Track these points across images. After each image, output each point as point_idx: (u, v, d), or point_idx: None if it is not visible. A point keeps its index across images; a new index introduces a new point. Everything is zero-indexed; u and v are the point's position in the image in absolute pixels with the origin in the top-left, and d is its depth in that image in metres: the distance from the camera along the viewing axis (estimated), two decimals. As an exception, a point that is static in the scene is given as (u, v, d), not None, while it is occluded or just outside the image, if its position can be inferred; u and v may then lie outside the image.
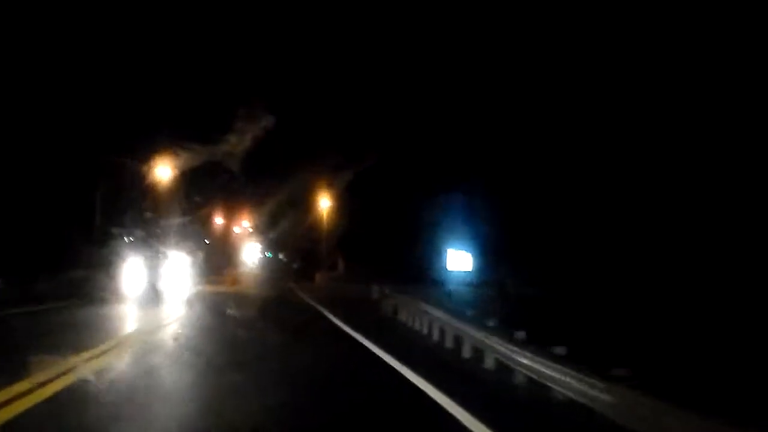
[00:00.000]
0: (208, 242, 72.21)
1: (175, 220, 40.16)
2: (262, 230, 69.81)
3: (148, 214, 36.27)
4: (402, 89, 44.44)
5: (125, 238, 34.71)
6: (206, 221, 63.83)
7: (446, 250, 40.45)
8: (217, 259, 69.53)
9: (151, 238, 30.25)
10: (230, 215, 67.38)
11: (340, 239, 48.49)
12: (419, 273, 39.81)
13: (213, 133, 35.03)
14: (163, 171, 34.14)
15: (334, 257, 50.12)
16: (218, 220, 59.86)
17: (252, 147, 37.34)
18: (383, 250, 45.69)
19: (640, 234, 36.02)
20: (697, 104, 34.55)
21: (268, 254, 76.60)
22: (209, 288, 26.23)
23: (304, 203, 50.30)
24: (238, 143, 35.88)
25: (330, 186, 45.13)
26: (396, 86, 44.55)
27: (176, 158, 33.68)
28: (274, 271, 61.24)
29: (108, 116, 30.77)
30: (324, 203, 44.09)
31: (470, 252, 40.40)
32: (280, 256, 74.49)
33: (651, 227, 35.80)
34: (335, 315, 14.72)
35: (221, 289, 26.54)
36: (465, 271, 40.30)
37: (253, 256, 75.88)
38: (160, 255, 26.75)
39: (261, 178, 55.78)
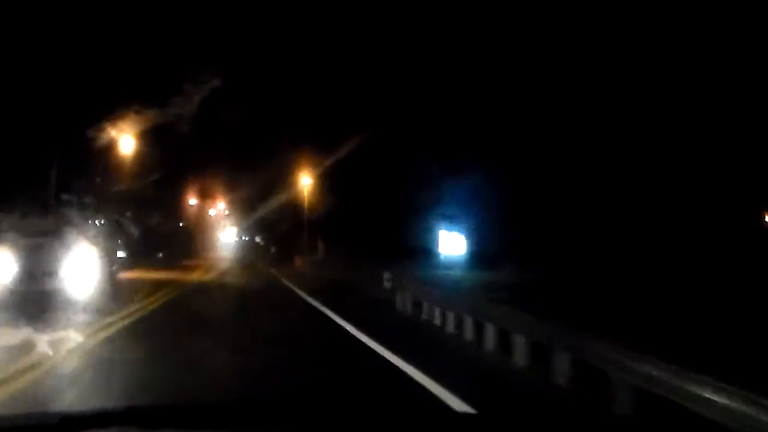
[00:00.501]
0: (182, 225, 68.17)
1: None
2: (238, 213, 65.95)
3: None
4: (391, 63, 40.34)
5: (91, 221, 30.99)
6: (178, 203, 59.53)
7: (438, 232, 36.87)
8: (191, 242, 65.38)
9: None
10: (205, 197, 63.00)
11: (321, 221, 44.49)
12: (408, 256, 36.15)
13: (161, 96, 30.97)
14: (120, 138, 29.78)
15: (314, 240, 46.17)
16: (192, 201, 55.18)
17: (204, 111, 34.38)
18: (368, 232, 41.86)
19: (638, 219, 33.01)
20: (701, 88, 31.56)
21: (245, 237, 72.58)
22: (176, 276, 22.07)
23: (283, 184, 46.22)
24: (186, 105, 31.57)
25: (311, 166, 41.00)
26: (384, 60, 40.35)
27: (129, 122, 29.67)
28: (251, 255, 57.16)
29: (55, 84, 27.10)
30: (305, 182, 39.89)
31: (463, 234, 36.87)
32: (257, 239, 70.45)
33: (649, 213, 32.83)
34: (358, 327, 9.88)
35: (192, 277, 22.38)
36: (458, 254, 36.76)
37: (229, 239, 71.82)
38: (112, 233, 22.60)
39: (239, 159, 51.86)
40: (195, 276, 22.24)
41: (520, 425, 2.18)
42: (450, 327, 9.18)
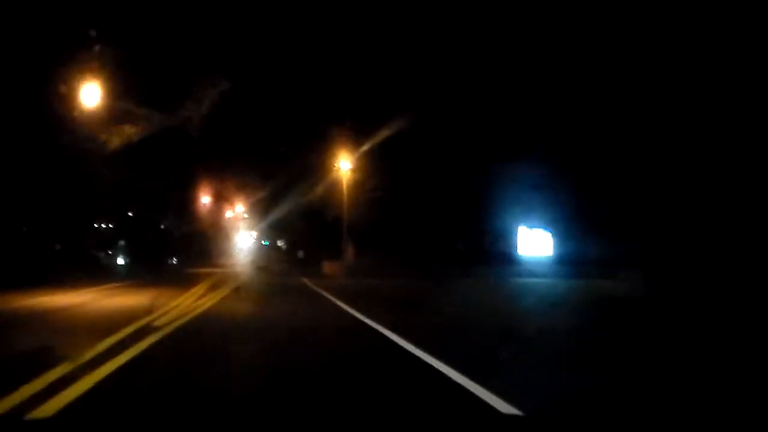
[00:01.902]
0: (196, 228, 59.61)
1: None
2: (257, 215, 57.00)
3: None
4: (439, 32, 30.46)
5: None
6: (191, 204, 50.64)
7: (517, 229, 27.23)
8: (205, 247, 56.71)
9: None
10: (221, 198, 54.13)
11: (355, 222, 34.70)
12: (475, 261, 26.72)
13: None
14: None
15: (341, 243, 36.74)
16: (204, 199, 46.03)
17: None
18: (414, 234, 32.21)
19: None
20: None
21: (265, 242, 63.40)
22: (160, 299, 12.47)
23: (309, 181, 36.83)
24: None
25: (348, 151, 31.25)
26: (431, 29, 30.43)
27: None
28: (272, 261, 48.07)
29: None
30: (344, 167, 30.10)
31: (549, 231, 27.19)
32: (279, 243, 61.29)
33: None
34: None
35: (185, 301, 12.72)
36: (543, 257, 27.16)
37: (247, 243, 63.23)
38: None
39: (258, 157, 43.17)
40: (191, 300, 12.42)
41: (568, 427, 1.95)
42: None
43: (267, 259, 50.88)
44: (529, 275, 24.97)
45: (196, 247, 56.48)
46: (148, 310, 9.28)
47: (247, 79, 34.89)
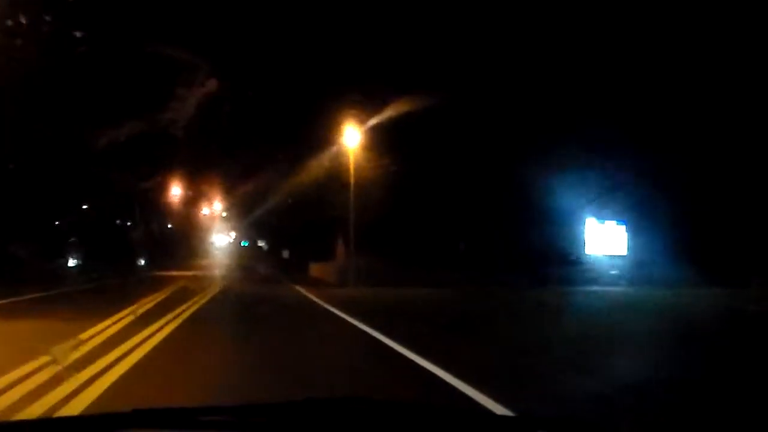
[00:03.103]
0: (170, 226, 52.60)
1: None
2: (237, 213, 50.22)
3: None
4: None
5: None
6: (163, 199, 43.49)
7: (584, 222, 20.10)
8: (177, 246, 49.51)
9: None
10: (196, 194, 46.94)
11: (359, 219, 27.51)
12: (522, 262, 19.76)
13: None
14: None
15: (331, 242, 30.07)
16: (175, 191, 38.77)
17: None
18: (437, 226, 25.13)
19: None
20: None
21: (244, 242, 56.45)
22: None
23: (301, 172, 29.87)
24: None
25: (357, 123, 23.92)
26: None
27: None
28: (253, 264, 40.99)
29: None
30: (352, 141, 22.66)
31: (624, 223, 20.21)
32: (260, 243, 54.33)
33: None
34: None
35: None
36: (615, 256, 20.08)
37: (224, 242, 56.53)
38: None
39: (241, 151, 36.54)
40: (77, 355, 5.03)
41: (559, 427, 1.81)
42: None
43: (247, 260, 43.95)
44: (612, 283, 18.25)
45: (168, 247, 49.20)
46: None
47: (231, 65, 29.04)
